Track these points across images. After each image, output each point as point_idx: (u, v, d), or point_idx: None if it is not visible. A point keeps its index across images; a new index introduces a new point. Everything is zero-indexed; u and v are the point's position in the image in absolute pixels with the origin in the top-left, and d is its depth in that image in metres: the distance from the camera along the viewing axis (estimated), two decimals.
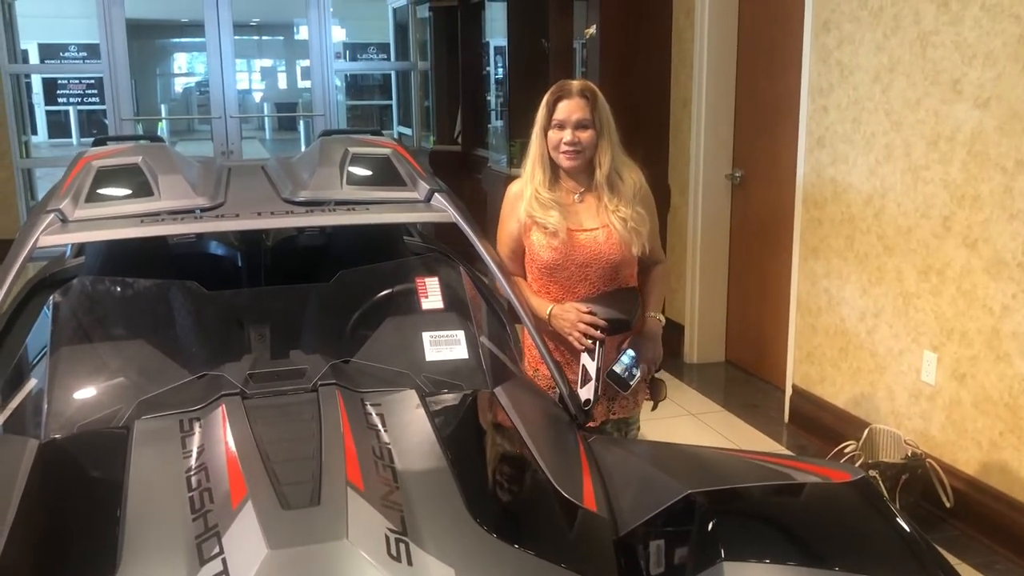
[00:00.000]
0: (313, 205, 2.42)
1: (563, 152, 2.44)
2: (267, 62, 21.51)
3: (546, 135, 2.46)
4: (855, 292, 3.69)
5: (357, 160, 2.61)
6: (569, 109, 2.42)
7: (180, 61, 21.75)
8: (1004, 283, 2.98)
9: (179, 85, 21.68)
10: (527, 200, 2.49)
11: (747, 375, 4.83)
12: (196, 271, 2.47)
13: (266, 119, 19.66)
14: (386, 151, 2.73)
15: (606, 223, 2.47)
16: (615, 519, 1.74)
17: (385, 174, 2.60)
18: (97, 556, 1.50)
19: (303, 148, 14.42)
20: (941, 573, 1.45)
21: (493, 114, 7.14)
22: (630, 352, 2.48)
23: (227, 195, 2.47)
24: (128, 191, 2.37)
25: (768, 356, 4.61)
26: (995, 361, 3.05)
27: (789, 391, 4.18)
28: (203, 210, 2.35)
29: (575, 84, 2.46)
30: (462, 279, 2.37)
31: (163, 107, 19.95)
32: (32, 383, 2.03)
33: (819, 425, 3.95)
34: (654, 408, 2.65)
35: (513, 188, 2.57)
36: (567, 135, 2.42)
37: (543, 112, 2.46)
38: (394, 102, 12.17)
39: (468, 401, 2.10)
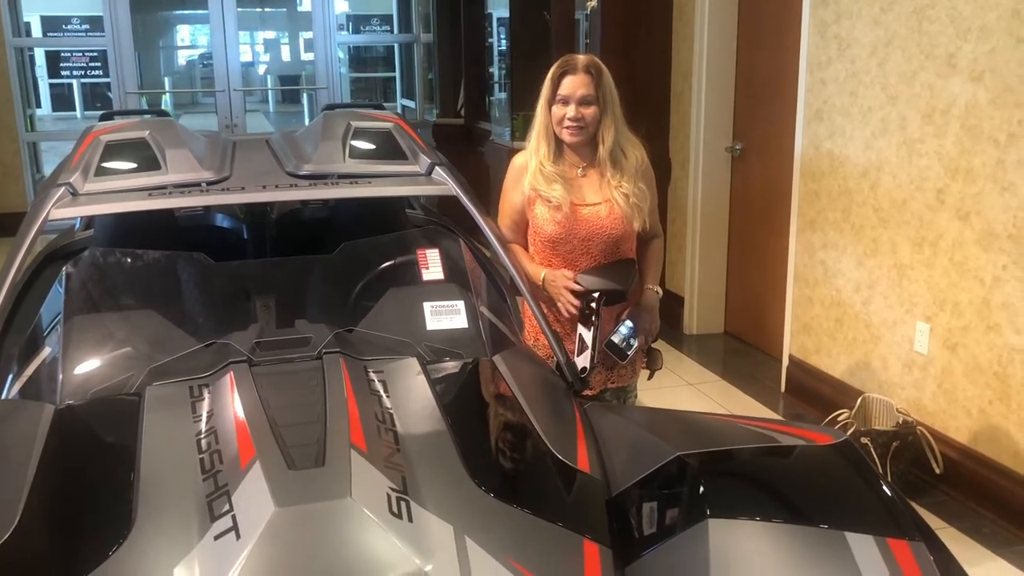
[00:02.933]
0: (316, 178, 2.48)
1: (566, 127, 2.48)
2: (270, 34, 21.42)
3: (550, 109, 2.50)
4: (851, 264, 3.74)
5: (359, 134, 2.66)
6: (573, 85, 2.46)
7: (183, 34, 21.68)
8: (995, 255, 3.03)
9: (182, 58, 21.62)
10: (531, 173, 2.53)
11: (745, 346, 4.90)
12: (203, 243, 2.53)
13: (270, 92, 19.62)
14: (388, 125, 2.78)
15: (608, 198, 2.52)
16: (608, 480, 1.82)
17: (387, 148, 2.65)
18: (113, 514, 1.58)
19: (307, 121, 14.31)
20: (916, 530, 1.52)
21: (496, 87, 7.16)
22: (628, 323, 2.54)
23: (232, 169, 2.53)
24: (136, 165, 2.43)
25: (766, 327, 4.67)
26: (985, 331, 3.11)
27: (786, 361, 4.25)
28: (209, 183, 2.41)
29: (580, 59, 2.49)
30: (462, 251, 2.43)
31: (166, 80, 19.90)
32: (47, 351, 2.10)
33: (815, 395, 4.02)
34: (650, 377, 2.72)
35: (517, 160, 2.62)
36: (571, 111, 2.46)
37: (548, 86, 2.50)
38: (397, 74, 12.17)
39: (467, 368, 2.16)
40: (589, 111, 2.47)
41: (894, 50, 3.41)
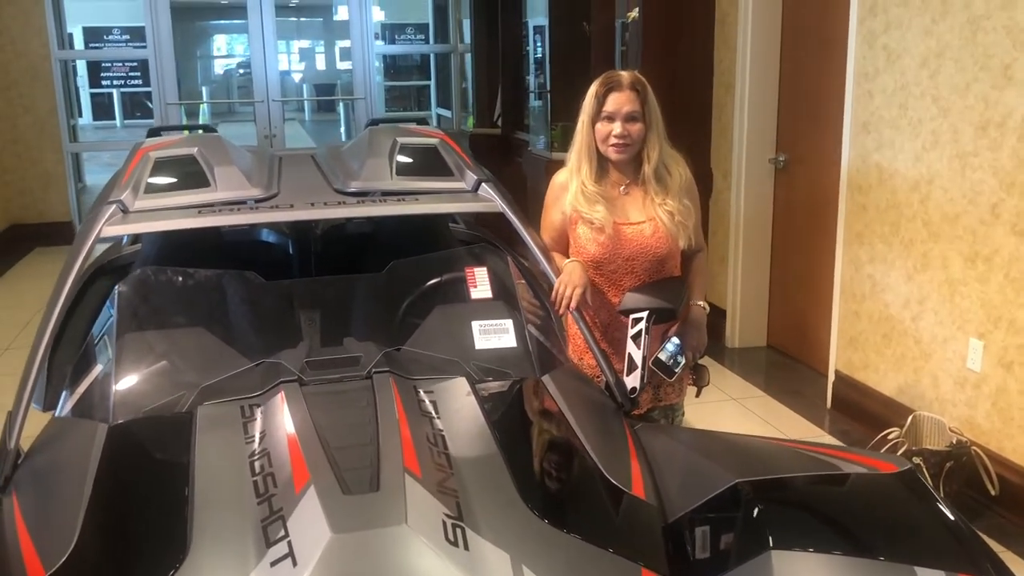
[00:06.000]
0: (364, 196, 2.48)
1: (612, 145, 2.45)
2: (305, 43, 21.62)
3: (594, 126, 2.47)
4: (900, 278, 3.67)
5: (405, 150, 2.65)
6: (619, 101, 2.42)
7: (219, 43, 21.95)
8: None
9: (219, 67, 21.88)
10: (573, 193, 2.50)
11: (789, 360, 4.83)
12: (248, 258, 2.54)
13: (305, 102, 19.76)
14: (433, 141, 2.77)
15: (652, 216, 2.49)
16: (663, 506, 1.78)
17: (433, 164, 2.64)
18: (168, 538, 1.57)
19: (342, 130, 14.29)
20: (988, 564, 1.47)
21: (532, 96, 7.13)
22: (675, 340, 2.50)
23: (280, 185, 2.53)
24: (185, 182, 2.44)
25: (810, 341, 4.60)
26: None
27: (832, 377, 4.17)
28: (257, 201, 2.41)
29: (625, 76, 2.46)
30: (510, 269, 2.40)
31: (204, 89, 20.15)
32: (98, 369, 2.11)
33: (862, 411, 3.94)
34: (698, 394, 2.68)
35: (558, 178, 2.59)
36: (617, 128, 2.43)
37: (592, 103, 2.46)
38: (432, 84, 12.22)
39: (517, 389, 2.14)
40: (635, 128, 2.44)
41: (946, 61, 3.34)
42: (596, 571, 1.55)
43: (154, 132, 3.11)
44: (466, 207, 2.54)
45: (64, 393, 2.13)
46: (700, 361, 2.67)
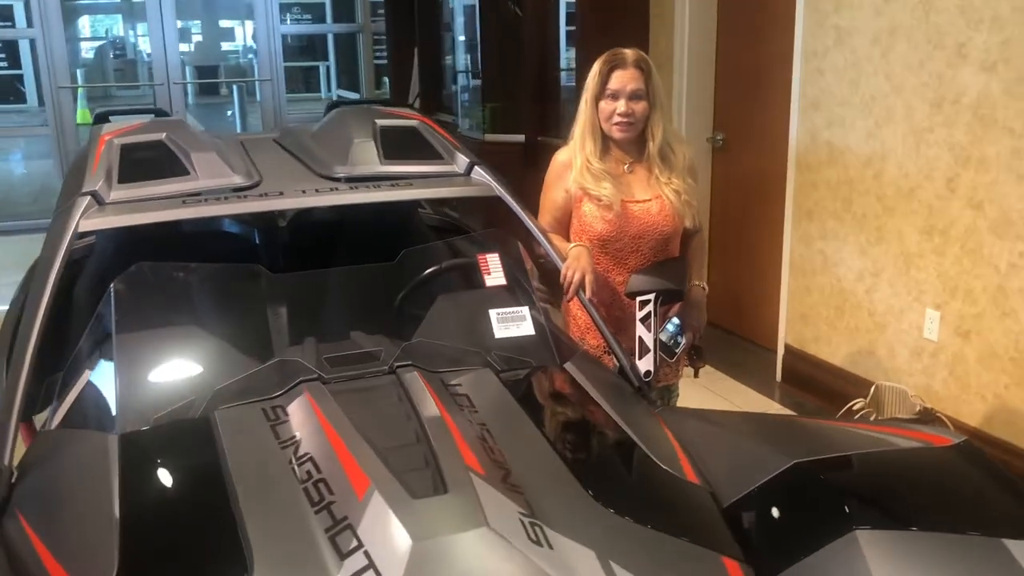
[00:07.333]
0: (355, 181, 2.35)
1: (615, 123, 2.41)
2: (187, 22, 20.70)
3: (597, 104, 2.43)
4: (853, 253, 3.77)
5: (388, 133, 2.54)
6: (623, 79, 2.39)
7: (96, 22, 20.81)
8: (1011, 242, 3.08)
9: (87, 49, 20.71)
10: (577, 170, 2.45)
11: (729, 335, 4.90)
12: (213, 250, 2.38)
13: (188, 85, 18.91)
14: (412, 123, 2.67)
15: (659, 194, 2.47)
16: (713, 491, 1.76)
17: (419, 147, 2.54)
18: (224, 555, 1.45)
19: (236, 114, 13.63)
20: None
21: (455, 76, 7.00)
22: (675, 320, 2.49)
23: (259, 172, 2.38)
24: (162, 170, 2.26)
25: (753, 316, 4.68)
26: (1000, 317, 3.16)
27: (781, 351, 4.26)
28: (242, 189, 2.26)
29: (629, 54, 2.43)
30: (521, 254, 2.33)
31: (77, 72, 19.04)
32: (94, 375, 1.93)
33: (813, 383, 4.04)
34: (696, 375, 2.68)
35: (560, 156, 2.54)
36: (620, 106, 2.39)
37: (595, 81, 2.42)
38: (332, 64, 11.89)
39: (544, 378, 2.08)
40: (639, 106, 2.41)
41: (899, 39, 3.42)
42: (681, 563, 1.51)
43: (102, 117, 2.88)
44: (463, 191, 2.45)
45: (53, 403, 1.95)
46: (696, 342, 2.66)
